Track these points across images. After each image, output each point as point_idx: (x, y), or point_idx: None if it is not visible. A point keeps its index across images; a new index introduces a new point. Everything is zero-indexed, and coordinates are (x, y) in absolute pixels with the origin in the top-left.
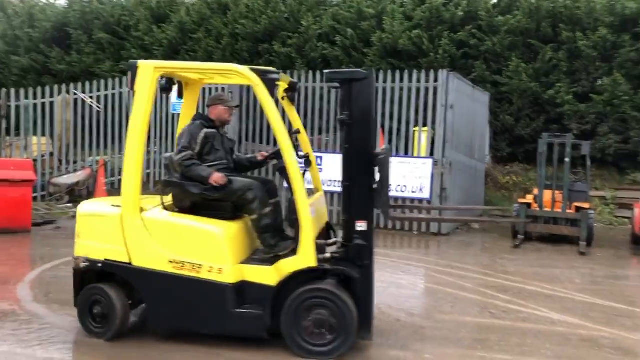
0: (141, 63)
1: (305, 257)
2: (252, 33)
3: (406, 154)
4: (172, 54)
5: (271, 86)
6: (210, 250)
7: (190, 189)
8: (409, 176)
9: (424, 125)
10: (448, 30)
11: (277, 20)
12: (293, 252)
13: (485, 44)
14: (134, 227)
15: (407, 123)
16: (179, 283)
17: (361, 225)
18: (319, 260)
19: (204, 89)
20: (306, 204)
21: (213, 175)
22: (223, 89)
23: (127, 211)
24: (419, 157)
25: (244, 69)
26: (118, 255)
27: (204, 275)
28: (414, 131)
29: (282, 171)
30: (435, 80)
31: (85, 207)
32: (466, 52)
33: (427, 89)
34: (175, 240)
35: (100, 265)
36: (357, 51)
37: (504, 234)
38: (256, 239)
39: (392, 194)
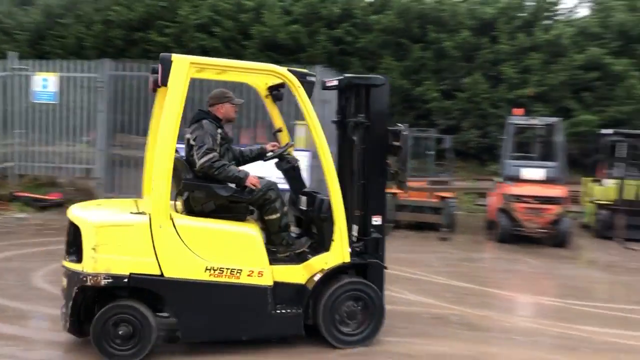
0: (176, 57)
1: (339, 253)
2: (127, 20)
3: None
4: (38, 39)
5: (309, 88)
6: (250, 253)
7: (219, 191)
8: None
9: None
10: (325, 27)
11: (153, 9)
12: (314, 248)
13: (360, 41)
14: (166, 236)
15: (288, 117)
16: (217, 291)
17: (377, 220)
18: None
19: None
20: (341, 203)
21: (250, 177)
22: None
23: (158, 218)
24: (296, 149)
25: (284, 71)
26: (147, 267)
27: (243, 280)
28: (295, 125)
29: (290, 170)
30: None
31: (102, 217)
32: (343, 48)
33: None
34: (212, 247)
35: (126, 280)
36: (236, 43)
37: None
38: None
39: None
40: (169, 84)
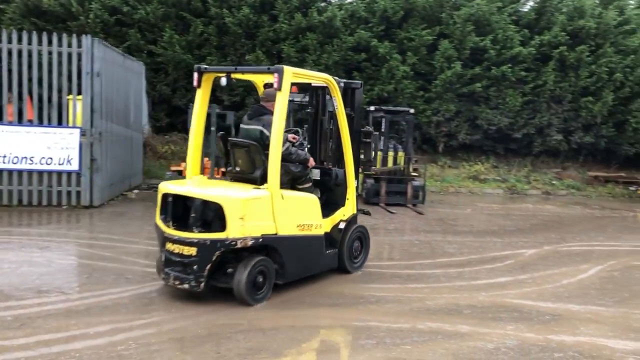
0: (286, 68)
1: (351, 207)
2: None
3: (60, 124)
4: None
5: (345, 94)
6: (316, 212)
7: (292, 169)
8: (54, 147)
9: (79, 93)
10: None
11: None
12: (337, 206)
13: (139, 12)
14: (279, 205)
15: (60, 90)
16: (302, 241)
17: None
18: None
19: None
20: (352, 174)
21: (310, 158)
22: None
23: (274, 192)
24: (64, 126)
25: (333, 80)
26: (270, 229)
27: (313, 232)
28: (68, 99)
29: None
30: (80, 47)
31: (242, 194)
32: (120, 19)
33: (72, 55)
34: (299, 210)
35: (260, 240)
36: None
37: None
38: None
39: (36, 167)
40: (282, 88)
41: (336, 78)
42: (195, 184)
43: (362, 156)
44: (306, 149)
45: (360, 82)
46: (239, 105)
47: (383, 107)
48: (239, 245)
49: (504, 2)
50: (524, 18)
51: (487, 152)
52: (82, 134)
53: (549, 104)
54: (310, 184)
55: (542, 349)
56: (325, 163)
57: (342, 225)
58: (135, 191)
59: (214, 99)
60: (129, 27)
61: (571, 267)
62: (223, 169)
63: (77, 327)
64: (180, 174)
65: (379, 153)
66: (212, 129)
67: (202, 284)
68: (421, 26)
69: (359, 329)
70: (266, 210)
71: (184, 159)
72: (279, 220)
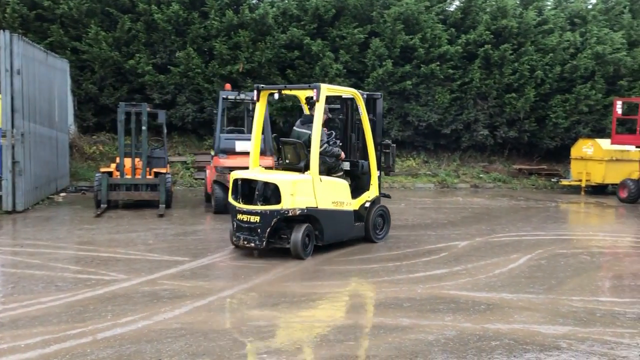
0: (322, 85)
1: (375, 191)
2: None
3: None
4: None
5: (368, 103)
6: (346, 193)
7: (327, 161)
8: None
9: None
10: None
11: None
12: (363, 190)
13: (61, 7)
14: (318, 186)
15: None
16: (336, 214)
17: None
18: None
19: None
20: (375, 165)
21: (341, 153)
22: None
23: (314, 177)
24: None
25: (359, 93)
26: (312, 203)
27: (345, 207)
28: None
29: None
30: None
31: (292, 178)
32: (40, 14)
33: None
34: (333, 191)
35: (305, 211)
36: None
37: (88, 204)
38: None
39: None
40: (320, 101)
41: (360, 91)
42: (257, 171)
43: (382, 164)
44: (338, 146)
45: (380, 93)
46: (170, 103)
47: None
48: (290, 214)
49: (431, 2)
50: (451, 17)
51: (419, 147)
52: (3, 135)
53: (476, 101)
54: (342, 172)
55: (480, 338)
56: (353, 157)
57: (367, 205)
58: (63, 194)
59: (145, 98)
60: (51, 23)
61: (502, 257)
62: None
63: (4, 341)
64: (110, 176)
65: None
66: (143, 128)
67: (264, 243)
68: (353, 24)
69: (301, 327)
70: (309, 189)
71: (113, 160)
72: (318, 197)
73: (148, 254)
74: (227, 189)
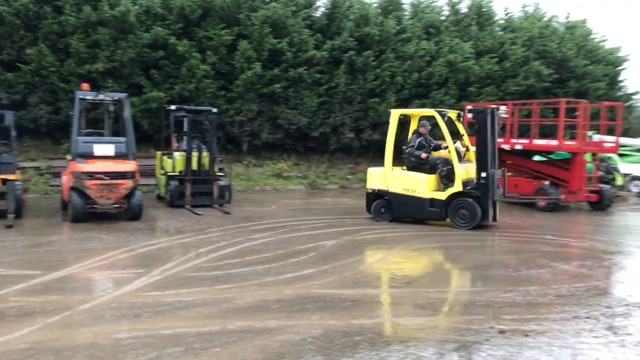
0: (393, 110)
1: (458, 186)
2: None
3: None
4: None
5: (444, 119)
6: (420, 184)
7: (412, 160)
8: None
9: None
10: None
11: None
12: (451, 185)
13: None
14: (390, 175)
15: None
16: (407, 198)
17: (483, 174)
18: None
19: None
20: (458, 167)
21: (422, 155)
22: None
23: (387, 169)
24: None
25: (436, 114)
26: (384, 186)
27: (416, 194)
28: None
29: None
30: None
31: (372, 169)
32: None
33: None
34: (404, 180)
35: (377, 191)
36: None
37: None
38: (438, 182)
39: None
40: (391, 122)
41: (440, 110)
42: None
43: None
44: (430, 150)
45: (460, 112)
46: (20, 104)
47: (185, 107)
48: (370, 192)
49: (298, 7)
50: (317, 23)
51: (289, 150)
52: None
53: (342, 105)
54: (428, 167)
55: (345, 334)
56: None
57: (444, 197)
58: None
59: None
60: None
61: (367, 254)
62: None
63: None
64: None
65: (182, 153)
66: (13, 134)
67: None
68: (220, 26)
69: (166, 337)
70: (382, 178)
71: None
72: (390, 183)
73: None
74: (86, 195)
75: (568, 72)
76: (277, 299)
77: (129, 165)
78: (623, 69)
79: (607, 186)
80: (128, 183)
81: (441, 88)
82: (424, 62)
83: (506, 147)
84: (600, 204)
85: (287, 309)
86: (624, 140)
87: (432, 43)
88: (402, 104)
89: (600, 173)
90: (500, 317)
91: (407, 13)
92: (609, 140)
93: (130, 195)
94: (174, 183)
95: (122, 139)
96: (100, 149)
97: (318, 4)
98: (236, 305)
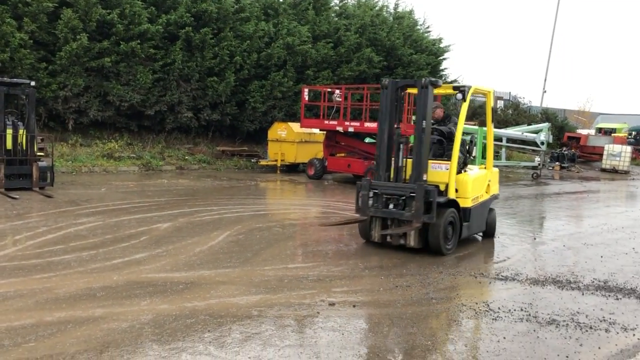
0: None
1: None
2: None
3: None
4: None
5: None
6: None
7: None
8: None
9: None
10: None
11: None
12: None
13: None
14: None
15: None
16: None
17: None
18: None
19: None
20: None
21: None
22: None
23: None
24: None
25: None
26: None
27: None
28: None
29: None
30: None
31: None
32: None
33: None
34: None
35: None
36: None
37: None
38: None
39: None
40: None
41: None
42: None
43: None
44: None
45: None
46: None
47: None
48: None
49: None
50: None
51: (121, 129)
52: None
53: (179, 82)
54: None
55: (176, 318)
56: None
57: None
58: None
59: None
60: None
61: (203, 235)
62: None
63: None
64: None
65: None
66: None
67: None
68: None
69: None
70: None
71: None
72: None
73: None
74: None
75: (396, 60)
76: (103, 286)
77: None
78: (444, 59)
79: None
80: None
81: (280, 70)
82: (263, 43)
83: (340, 129)
84: None
85: (114, 295)
86: None
87: (270, 24)
88: (242, 84)
89: None
90: (330, 290)
91: None
92: None
93: None
94: None
95: None
96: None
97: None
98: (56, 295)
